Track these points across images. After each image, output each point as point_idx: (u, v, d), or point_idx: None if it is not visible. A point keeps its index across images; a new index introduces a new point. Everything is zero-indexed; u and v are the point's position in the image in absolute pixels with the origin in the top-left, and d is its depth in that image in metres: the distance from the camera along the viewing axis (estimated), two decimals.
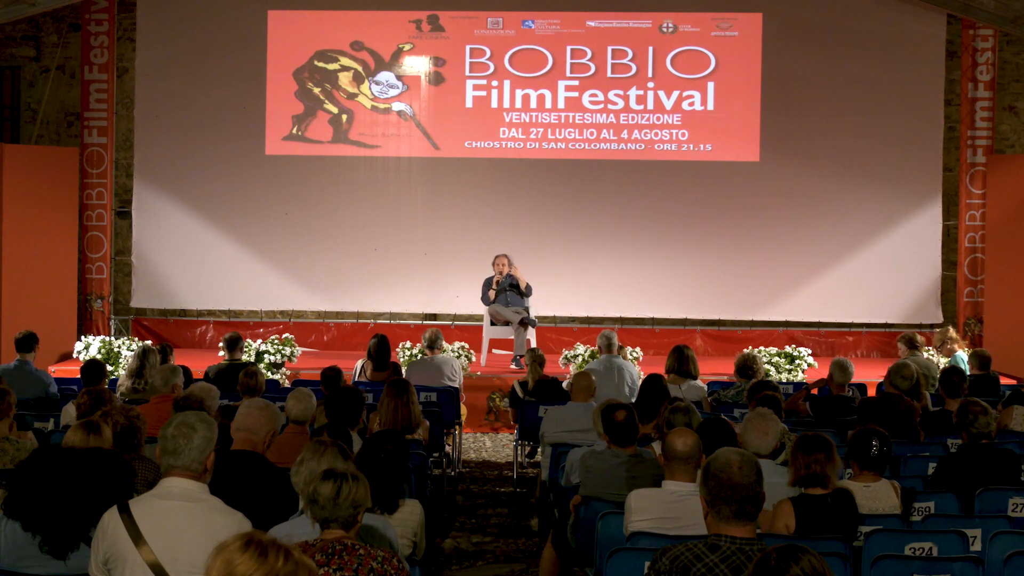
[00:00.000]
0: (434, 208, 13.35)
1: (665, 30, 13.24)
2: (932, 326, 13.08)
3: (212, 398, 6.40)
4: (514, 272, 11.70)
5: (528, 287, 11.75)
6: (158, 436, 3.91)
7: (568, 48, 13.25)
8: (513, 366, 11.54)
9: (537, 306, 12.22)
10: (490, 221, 13.20)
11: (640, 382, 7.97)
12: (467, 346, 11.59)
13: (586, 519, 5.28)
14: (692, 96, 13.20)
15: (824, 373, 8.67)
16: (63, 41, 13.49)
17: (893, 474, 5.71)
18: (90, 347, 11.60)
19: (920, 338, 9.79)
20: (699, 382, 8.61)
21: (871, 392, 9.09)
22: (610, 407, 5.66)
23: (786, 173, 13.17)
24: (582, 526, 5.34)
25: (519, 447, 9.14)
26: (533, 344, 11.30)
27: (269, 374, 10.54)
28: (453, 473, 8.79)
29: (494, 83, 13.28)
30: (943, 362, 10.29)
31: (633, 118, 13.24)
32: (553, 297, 12.95)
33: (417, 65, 13.35)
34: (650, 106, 13.23)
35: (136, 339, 12.36)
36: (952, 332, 11.05)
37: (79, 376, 8.25)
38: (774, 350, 11.47)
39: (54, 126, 13.56)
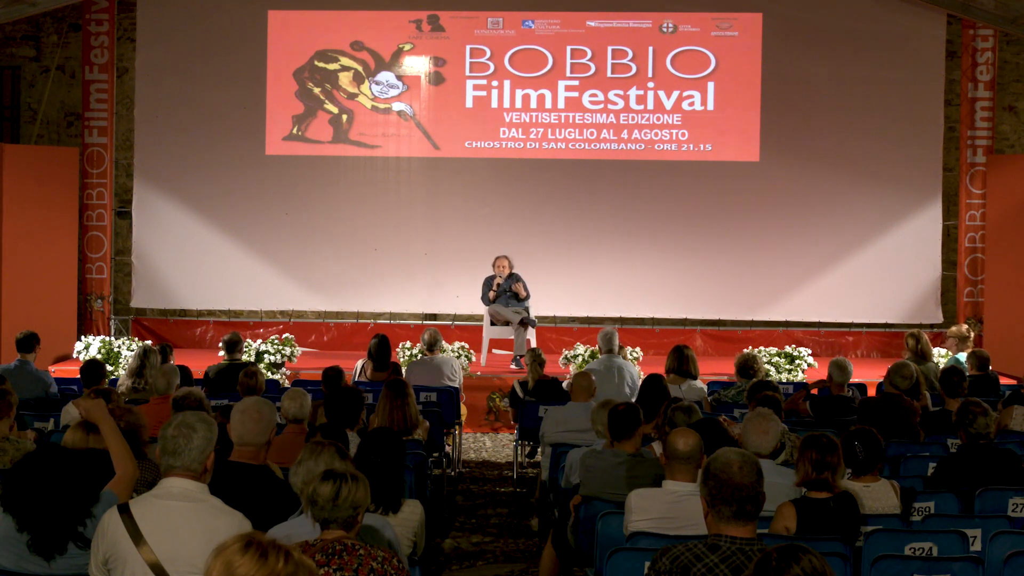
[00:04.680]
0: (434, 208, 13.35)
1: (665, 30, 13.24)
2: (932, 326, 13.08)
3: (206, 401, 6.41)
4: (516, 288, 11.64)
5: (527, 296, 11.72)
6: (158, 436, 3.91)
7: (568, 48, 13.25)
8: (513, 366, 11.54)
9: (537, 306, 12.21)
10: (490, 221, 13.20)
11: (640, 382, 7.98)
12: (467, 346, 11.59)
13: (586, 519, 5.28)
14: (692, 96, 13.20)
15: (824, 373, 8.67)
16: (63, 41, 13.49)
17: (893, 474, 5.71)
18: (90, 347, 11.60)
19: (927, 344, 9.62)
20: (699, 382, 8.60)
21: (871, 392, 9.09)
22: (613, 404, 5.72)
23: (786, 173, 13.17)
24: (582, 526, 5.34)
25: (519, 447, 9.14)
26: (533, 344, 11.30)
27: (269, 374, 10.54)
28: (453, 473, 8.79)
29: (494, 83, 13.28)
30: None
31: (633, 118, 13.23)
32: (553, 297, 12.95)
33: (417, 65, 13.35)
34: (650, 106, 13.23)
35: (136, 339, 12.36)
36: (972, 339, 10.82)
37: (79, 376, 8.25)
38: (774, 350, 11.47)
39: (54, 126, 13.56)
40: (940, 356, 11.20)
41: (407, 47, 13.35)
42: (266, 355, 11.25)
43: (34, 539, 3.83)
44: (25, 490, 3.87)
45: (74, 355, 11.82)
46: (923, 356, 9.33)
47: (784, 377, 11.03)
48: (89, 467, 4.00)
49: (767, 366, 10.77)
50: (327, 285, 13.35)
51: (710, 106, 13.21)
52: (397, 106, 13.36)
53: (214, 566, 2.51)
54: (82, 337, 12.04)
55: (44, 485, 3.86)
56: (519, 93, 13.25)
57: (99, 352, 11.41)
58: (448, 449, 8.57)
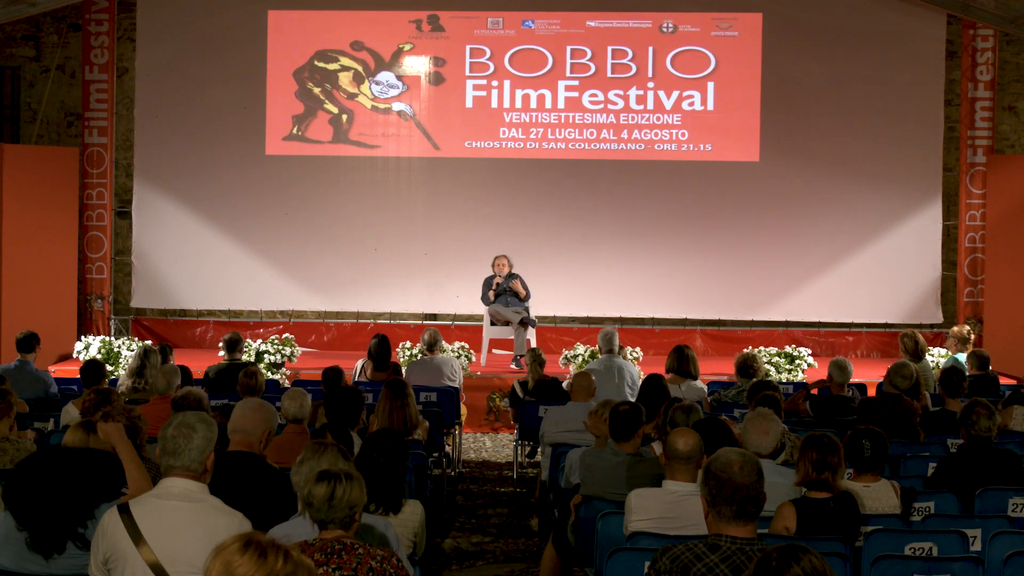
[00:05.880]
0: (434, 208, 13.35)
1: (665, 30, 13.24)
2: (932, 326, 13.08)
3: (206, 401, 6.40)
4: (514, 285, 11.65)
5: (527, 295, 11.73)
6: (158, 436, 3.92)
7: (568, 48, 13.25)
8: (513, 366, 11.54)
9: (537, 306, 12.21)
10: (490, 221, 13.19)
11: (640, 382, 7.98)
12: (467, 346, 11.59)
13: (586, 519, 5.28)
14: (692, 96, 13.20)
15: (824, 373, 8.67)
16: (63, 41, 13.49)
17: (893, 474, 5.71)
18: (90, 347, 11.60)
19: (924, 344, 9.63)
20: (699, 382, 8.60)
21: (871, 392, 9.09)
22: (615, 404, 5.73)
23: (786, 173, 13.17)
24: (582, 525, 5.34)
25: (519, 447, 9.14)
26: (533, 344, 11.30)
27: (269, 374, 10.54)
28: (453, 473, 8.79)
29: (494, 83, 13.28)
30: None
31: (633, 118, 13.23)
32: (553, 297, 12.94)
33: (417, 65, 13.35)
34: (650, 106, 13.23)
35: (136, 339, 12.36)
36: (972, 341, 10.78)
37: (79, 376, 8.25)
38: (774, 350, 11.47)
39: (54, 126, 13.56)
40: (940, 356, 11.19)
41: (407, 47, 13.34)
42: (266, 355, 11.25)
43: (33, 537, 3.84)
44: (27, 489, 3.87)
45: (74, 355, 11.82)
46: (919, 356, 9.30)
47: (784, 377, 11.03)
48: (93, 468, 4.00)
49: (767, 366, 10.77)
50: (327, 285, 13.35)
51: (710, 106, 13.21)
52: (397, 106, 13.36)
53: (213, 566, 2.51)
54: (82, 337, 12.04)
55: (47, 484, 3.87)
56: (519, 93, 13.24)
57: (99, 352, 11.41)
58: (448, 449, 8.57)
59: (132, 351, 10.86)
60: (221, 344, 9.50)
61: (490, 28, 13.28)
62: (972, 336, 10.78)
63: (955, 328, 10.99)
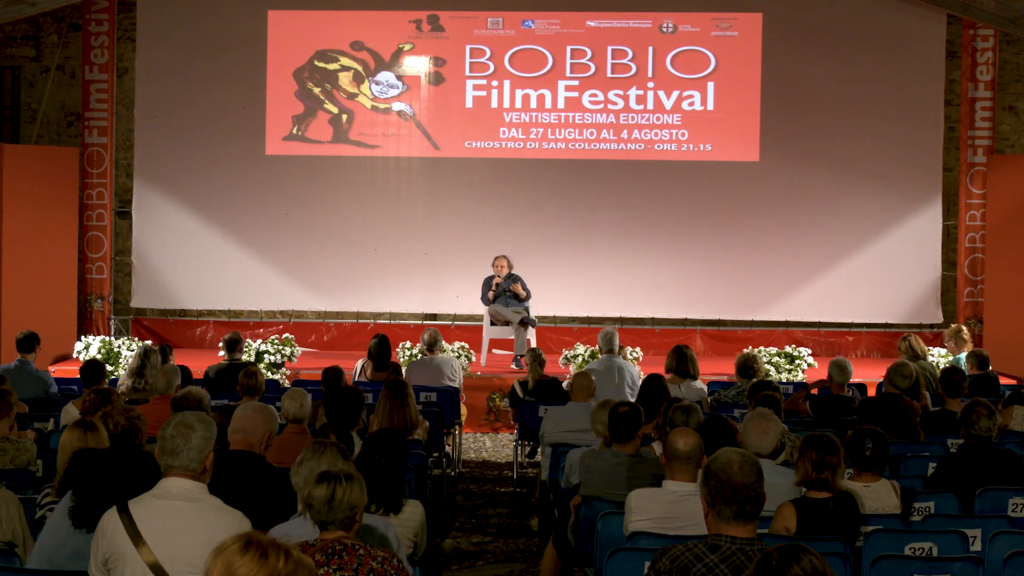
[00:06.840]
0: (434, 208, 13.35)
1: (665, 30, 13.24)
2: (932, 326, 13.08)
3: (206, 400, 6.40)
4: (514, 288, 11.64)
5: (528, 296, 11.73)
6: (157, 436, 3.92)
7: (568, 48, 13.25)
8: (513, 366, 11.54)
9: (537, 306, 12.21)
10: (490, 221, 13.20)
11: (640, 382, 7.98)
12: (467, 346, 11.59)
13: (586, 519, 5.27)
14: (692, 96, 13.20)
15: (824, 373, 8.67)
16: (63, 41, 13.49)
17: (893, 474, 5.71)
18: (90, 347, 11.59)
19: (921, 345, 9.64)
20: (699, 382, 8.60)
21: (871, 392, 9.09)
22: (614, 404, 5.72)
23: (786, 173, 13.17)
24: (582, 526, 5.34)
25: (519, 447, 9.14)
26: (533, 344, 11.30)
27: (269, 374, 10.54)
28: (453, 473, 8.79)
29: (494, 83, 13.28)
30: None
31: (633, 118, 13.23)
32: (553, 297, 12.94)
33: (417, 65, 13.35)
34: (650, 106, 13.23)
35: (136, 339, 12.36)
36: (965, 332, 10.80)
37: (79, 376, 8.25)
38: (774, 350, 11.47)
39: (54, 126, 13.56)
40: (941, 356, 11.19)
41: (407, 47, 13.34)
42: (266, 355, 11.24)
43: (78, 507, 3.93)
44: (100, 466, 4.03)
45: (74, 355, 11.82)
46: (916, 357, 9.29)
47: (784, 377, 11.03)
48: (149, 467, 4.11)
49: (767, 366, 10.77)
50: (327, 285, 13.35)
51: (710, 106, 13.21)
52: (397, 106, 13.36)
53: (214, 566, 2.50)
54: (82, 337, 12.04)
55: (117, 468, 4.04)
56: (519, 93, 13.24)
57: (99, 352, 11.40)
58: (448, 449, 8.57)
59: (132, 351, 10.86)
60: (221, 344, 9.50)
61: (490, 28, 13.28)
62: (964, 328, 10.76)
63: (947, 330, 11.01)
